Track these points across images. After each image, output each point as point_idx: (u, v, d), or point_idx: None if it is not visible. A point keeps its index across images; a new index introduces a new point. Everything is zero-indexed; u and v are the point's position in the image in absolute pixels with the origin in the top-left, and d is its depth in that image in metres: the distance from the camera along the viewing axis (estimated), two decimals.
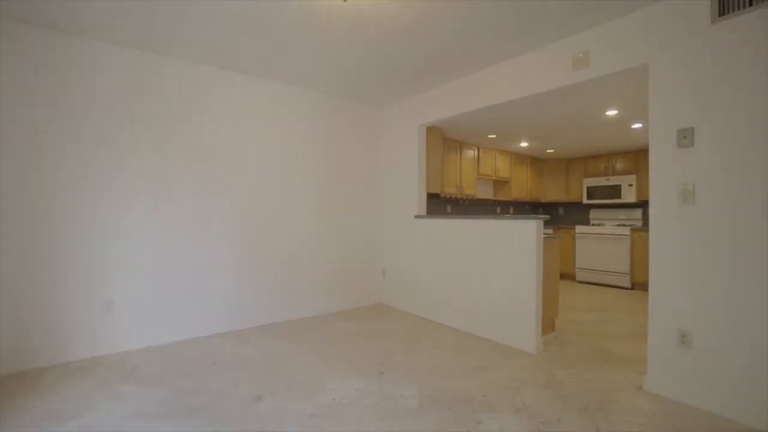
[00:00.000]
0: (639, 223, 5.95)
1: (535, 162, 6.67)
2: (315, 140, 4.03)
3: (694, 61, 2.16)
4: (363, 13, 2.47)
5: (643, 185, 5.73)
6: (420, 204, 4.09)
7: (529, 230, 3.02)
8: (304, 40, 2.83)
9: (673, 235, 2.25)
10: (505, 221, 3.20)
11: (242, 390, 2.30)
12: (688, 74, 2.19)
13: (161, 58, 3.09)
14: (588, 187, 6.33)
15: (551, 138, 5.13)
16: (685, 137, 2.20)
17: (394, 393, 2.28)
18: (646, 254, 5.36)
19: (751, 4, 1.98)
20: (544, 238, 3.17)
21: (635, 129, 4.51)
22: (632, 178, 5.82)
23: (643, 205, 5.95)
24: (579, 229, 6.12)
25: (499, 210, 6.50)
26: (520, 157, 6.32)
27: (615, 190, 5.99)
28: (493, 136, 4.94)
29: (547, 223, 7.14)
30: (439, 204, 5.39)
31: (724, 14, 2.08)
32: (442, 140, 4.87)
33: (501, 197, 6.24)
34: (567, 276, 6.27)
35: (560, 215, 7.16)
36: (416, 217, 4.03)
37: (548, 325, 3.29)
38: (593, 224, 6.32)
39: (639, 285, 5.51)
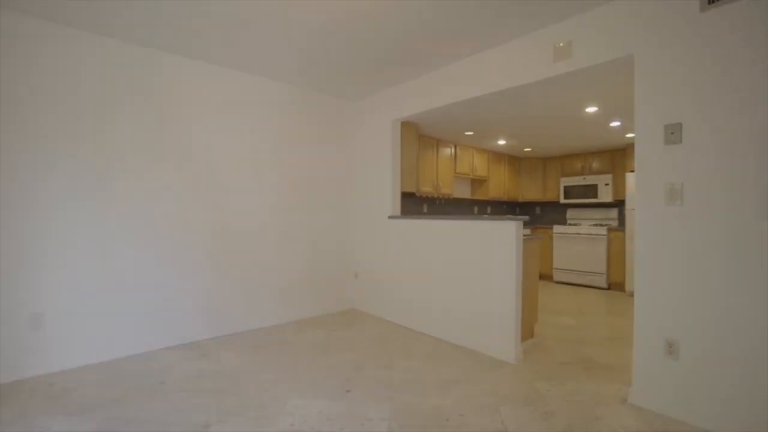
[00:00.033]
0: (615, 223, 5.93)
1: (513, 161, 6.57)
2: (284, 135, 3.75)
3: (683, 52, 2.02)
4: None
5: (619, 185, 5.71)
6: (394, 203, 3.87)
7: (508, 232, 2.84)
8: (267, 24, 2.56)
9: (660, 238, 2.10)
10: (483, 222, 3.02)
11: (189, 417, 2.02)
12: (675, 66, 2.05)
13: (96, 37, 2.74)
14: (565, 187, 6.27)
15: (529, 136, 5.01)
16: (673, 133, 2.06)
17: (362, 415, 2.05)
18: (622, 254, 5.32)
19: None
20: (524, 239, 3.01)
21: (613, 127, 4.43)
22: (608, 178, 5.78)
23: (618, 204, 5.92)
24: (556, 228, 6.05)
25: (476, 210, 6.37)
26: (498, 156, 6.20)
27: (591, 190, 5.95)
28: (471, 133, 4.78)
29: (525, 224, 7.06)
30: (414, 203, 5.19)
31: (713, 2, 1.94)
32: (418, 137, 4.67)
33: (478, 196, 6.10)
34: (544, 276, 6.20)
35: (537, 215, 7.10)
36: (390, 217, 3.81)
37: (527, 331, 3.13)
38: (570, 224, 6.27)
39: (615, 285, 5.48)
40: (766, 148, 1.78)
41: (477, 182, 6.09)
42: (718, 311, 1.91)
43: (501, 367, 2.69)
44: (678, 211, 2.04)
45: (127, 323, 2.85)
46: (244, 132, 3.48)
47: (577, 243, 5.78)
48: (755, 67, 1.80)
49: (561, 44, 2.53)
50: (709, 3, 1.95)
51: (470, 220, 3.11)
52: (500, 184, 6.24)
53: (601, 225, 5.76)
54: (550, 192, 6.56)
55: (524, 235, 3.00)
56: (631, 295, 5.17)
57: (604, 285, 5.51)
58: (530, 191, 6.71)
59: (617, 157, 5.73)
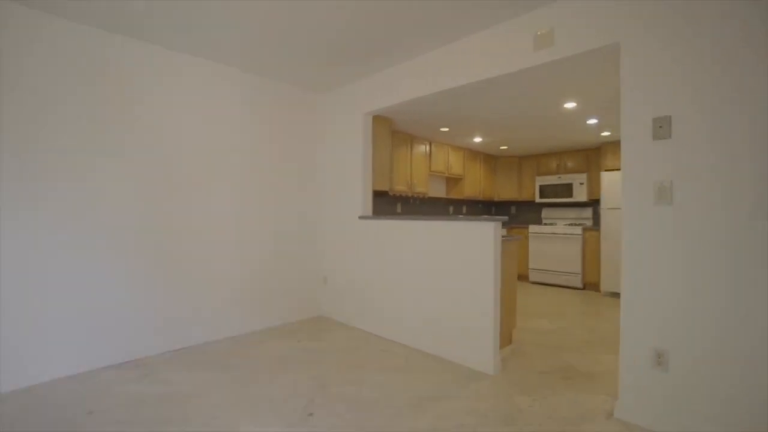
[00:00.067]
0: (589, 222, 5.90)
1: (489, 159, 6.45)
2: (247, 128, 3.43)
3: (672, 40, 1.87)
4: None
5: (593, 184, 5.67)
6: (365, 203, 3.62)
7: (485, 233, 2.65)
8: (223, 5, 2.25)
9: (648, 240, 1.95)
10: (459, 223, 2.81)
11: None
12: (665, 54, 1.89)
13: (32, 13, 2.35)
14: (540, 186, 6.21)
15: (506, 133, 4.88)
16: (662, 127, 1.91)
17: None
18: (597, 254, 5.28)
19: None
20: (502, 240, 2.83)
21: (590, 125, 4.34)
22: (583, 177, 5.74)
23: (593, 204, 5.90)
24: (532, 228, 5.97)
25: (452, 209, 6.21)
26: (474, 154, 6.06)
27: (567, 189, 5.90)
28: (446, 129, 4.59)
29: (503, 224, 6.97)
30: (388, 203, 4.96)
31: None
32: (391, 133, 4.44)
33: (454, 196, 5.94)
34: (520, 277, 6.11)
35: (513, 214, 7.02)
36: (361, 217, 3.56)
37: (506, 337, 2.96)
38: (546, 223, 6.21)
39: (590, 285, 5.44)
40: (762, 143, 1.64)
41: (452, 181, 5.93)
42: (711, 319, 1.76)
43: (479, 379, 2.50)
44: (667, 211, 1.89)
45: (61, 341, 2.48)
46: (203, 125, 3.15)
47: (553, 243, 5.71)
48: (752, 56, 1.66)
49: (542, 32, 2.34)
50: None
51: (446, 221, 2.90)
52: (476, 183, 6.10)
53: (576, 224, 5.71)
54: (525, 191, 6.49)
55: (502, 236, 2.82)
56: (607, 295, 5.13)
57: (580, 285, 5.46)
58: (506, 190, 6.61)
59: (592, 156, 5.70)
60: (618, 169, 5.14)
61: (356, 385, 2.40)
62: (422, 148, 5.03)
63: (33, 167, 2.39)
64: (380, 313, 3.39)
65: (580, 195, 5.76)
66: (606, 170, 5.26)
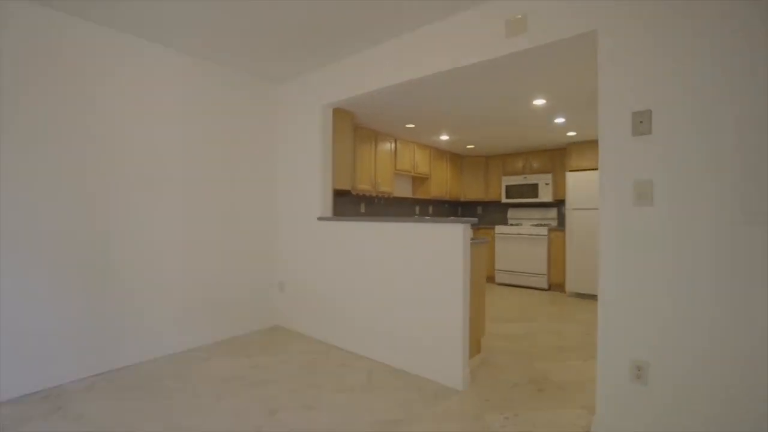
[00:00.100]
0: (554, 223, 5.90)
1: (456, 158, 6.32)
2: (194, 121, 3.05)
3: (654, 28, 1.73)
4: None
5: (558, 184, 5.66)
6: (324, 203, 3.33)
7: (454, 236, 2.45)
8: None
9: (627, 243, 1.80)
10: (426, 225, 2.59)
11: None
12: (646, 44, 1.75)
13: None
14: (507, 186, 6.15)
15: (473, 131, 4.74)
16: (642, 122, 1.76)
17: None
18: (562, 255, 5.26)
19: None
20: (471, 244, 2.64)
21: (557, 124, 4.27)
22: (549, 177, 5.72)
23: (558, 204, 5.90)
24: (498, 229, 5.89)
25: (418, 210, 6.03)
26: (440, 153, 5.90)
27: (532, 189, 5.86)
28: (412, 125, 4.38)
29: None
30: (351, 203, 4.69)
31: None
32: (354, 128, 4.18)
33: (420, 195, 5.75)
34: (486, 279, 6.01)
35: (479, 215, 6.95)
36: (320, 219, 3.27)
37: (475, 345, 2.77)
38: (511, 224, 6.16)
39: (555, 286, 5.42)
40: (750, 141, 1.52)
41: (418, 180, 5.74)
42: (694, 330, 1.63)
43: (447, 396, 2.28)
44: (648, 212, 1.75)
45: None
46: (141, 116, 2.74)
47: (519, 243, 5.66)
48: (742, 47, 1.53)
49: (515, 17, 2.16)
50: None
51: (412, 223, 2.67)
52: (442, 183, 5.95)
53: (542, 225, 5.69)
54: (492, 191, 6.41)
55: (471, 239, 2.63)
56: (572, 295, 5.11)
57: (545, 286, 5.43)
58: (472, 190, 6.52)
59: (557, 156, 5.69)
60: (583, 170, 5.14)
61: (311, 409, 2.12)
62: (387, 146, 4.80)
63: None
64: (341, 322, 3.11)
65: (546, 195, 5.74)
66: (571, 171, 5.25)
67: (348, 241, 3.08)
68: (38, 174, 2.32)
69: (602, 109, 1.88)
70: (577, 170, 5.18)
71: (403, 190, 5.61)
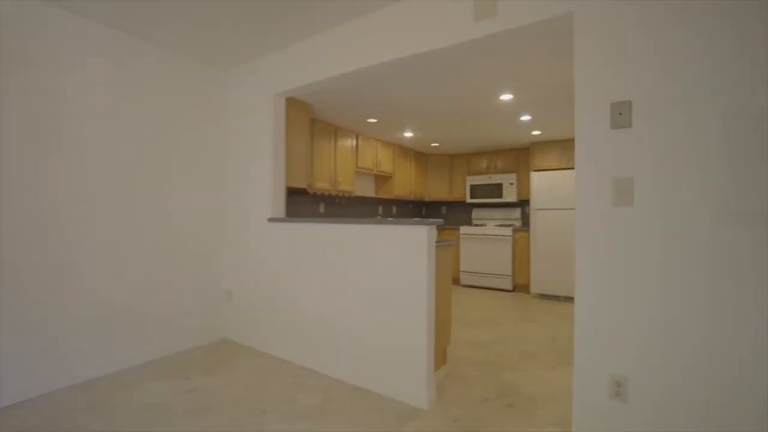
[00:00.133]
0: (518, 223, 5.86)
1: (420, 157, 6.14)
2: (125, 109, 2.63)
3: (635, 10, 1.57)
4: None
5: (522, 184, 5.62)
6: (275, 202, 3.01)
7: (418, 239, 2.22)
8: None
9: (606, 248, 1.64)
10: (387, 227, 2.35)
11: None
12: (626, 28, 1.60)
13: None
14: (471, 186, 6.04)
15: (438, 128, 4.56)
16: (621, 114, 1.61)
17: None
18: (526, 256, 5.20)
19: None
20: (437, 246, 2.43)
21: (523, 122, 4.17)
22: (513, 177, 5.67)
23: (522, 204, 5.86)
24: (463, 229, 5.77)
25: (381, 210, 5.79)
26: (404, 151, 5.70)
27: (497, 189, 5.79)
28: (374, 120, 4.14)
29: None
30: (309, 202, 4.37)
31: None
32: (311, 122, 3.88)
33: (383, 195, 5.52)
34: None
35: (444, 215, 6.82)
36: (270, 220, 2.94)
37: (440, 356, 2.56)
38: (476, 224, 6.07)
39: (520, 287, 5.36)
40: (739, 136, 1.38)
41: (381, 179, 5.50)
42: (678, 342, 1.48)
43: (411, 418, 2.05)
44: (628, 213, 1.59)
45: None
46: (65, 100, 2.30)
47: (484, 244, 5.56)
48: (731, 34, 1.40)
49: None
50: None
51: (371, 225, 2.42)
52: (406, 182, 5.75)
53: (506, 225, 5.62)
54: (456, 191, 6.29)
55: (436, 242, 2.42)
56: (536, 297, 5.06)
57: (510, 287, 5.36)
58: (437, 190, 6.36)
59: (521, 156, 5.64)
60: (547, 170, 5.11)
61: None
62: (348, 142, 4.52)
63: None
64: (294, 334, 2.81)
65: (510, 195, 5.68)
66: (536, 170, 5.21)
67: (301, 245, 2.78)
68: None
69: (579, 99, 1.71)
70: (541, 170, 5.14)
71: (365, 189, 5.35)
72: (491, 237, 5.50)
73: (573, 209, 4.74)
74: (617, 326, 1.61)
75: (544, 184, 4.99)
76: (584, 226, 1.69)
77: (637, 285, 1.56)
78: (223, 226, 3.32)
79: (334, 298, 2.59)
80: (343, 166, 4.41)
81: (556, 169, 5.02)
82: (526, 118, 3.98)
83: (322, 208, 4.57)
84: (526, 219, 5.80)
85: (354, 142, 4.62)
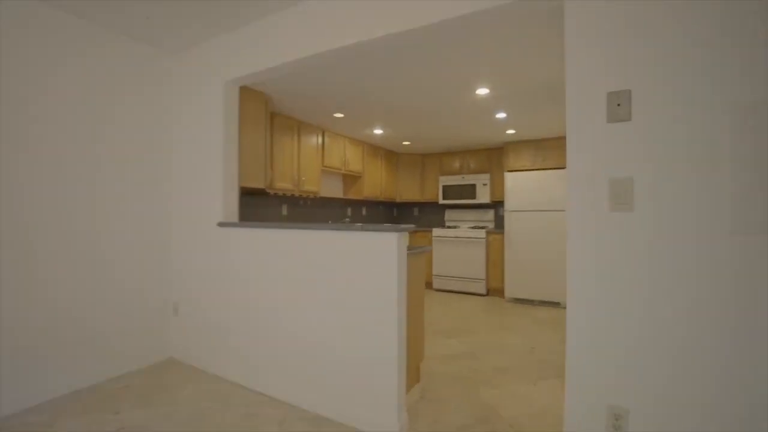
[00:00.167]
0: (492, 225, 5.71)
1: (391, 156, 5.89)
2: (46, 91, 2.19)
3: None
4: None
5: (496, 185, 5.47)
6: (227, 205, 2.65)
7: (388, 247, 1.94)
8: None
9: (602, 260, 1.43)
10: (352, 233, 2.06)
11: None
12: (625, 6, 1.39)
13: None
14: (444, 186, 5.84)
15: (409, 125, 4.31)
16: (620, 105, 1.40)
17: None
18: (500, 258, 5.05)
19: None
20: (409, 254, 2.17)
21: (498, 120, 3.99)
22: (486, 178, 5.51)
23: (495, 205, 5.72)
24: (436, 232, 5.56)
25: (350, 211, 5.49)
26: (374, 149, 5.42)
27: (470, 190, 5.61)
28: (341, 115, 3.84)
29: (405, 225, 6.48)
30: (270, 204, 4.01)
31: None
32: (270, 115, 3.53)
33: (352, 196, 5.22)
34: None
35: (415, 216, 6.59)
36: (220, 225, 2.59)
37: (413, 373, 2.31)
38: (449, 226, 5.87)
39: (494, 291, 5.20)
40: (753, 132, 1.19)
41: (350, 179, 5.20)
42: (686, 369, 1.28)
43: None
44: (627, 219, 1.38)
45: None
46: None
47: (457, 247, 5.37)
48: (744, 8, 1.20)
49: None
50: None
51: (335, 231, 2.12)
52: (377, 182, 5.47)
53: (479, 227, 5.46)
54: (428, 192, 6.08)
55: (408, 249, 2.15)
56: (511, 301, 4.92)
57: (483, 291, 5.19)
58: (408, 191, 6.13)
59: (495, 156, 5.50)
60: (521, 170, 4.97)
61: None
62: (313, 139, 4.20)
63: None
64: (249, 354, 2.47)
65: (483, 196, 5.52)
66: (509, 171, 5.07)
67: (256, 253, 2.44)
68: None
69: (570, 89, 1.49)
70: (516, 170, 5.00)
71: (332, 189, 5.03)
72: (464, 239, 5.32)
73: (548, 211, 4.65)
74: (616, 352, 1.39)
75: (518, 185, 4.85)
76: (576, 235, 1.47)
77: (638, 303, 1.35)
78: (170, 231, 2.92)
79: (293, 313, 2.27)
80: (308, 164, 4.08)
81: (531, 170, 4.90)
82: (501, 115, 3.79)
83: (285, 210, 4.21)
84: (499, 221, 5.66)
85: (320, 138, 4.30)
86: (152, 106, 2.81)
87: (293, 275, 2.27)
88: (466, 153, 5.76)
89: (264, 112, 3.10)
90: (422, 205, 6.51)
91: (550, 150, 4.82)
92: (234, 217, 2.69)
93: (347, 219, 5.28)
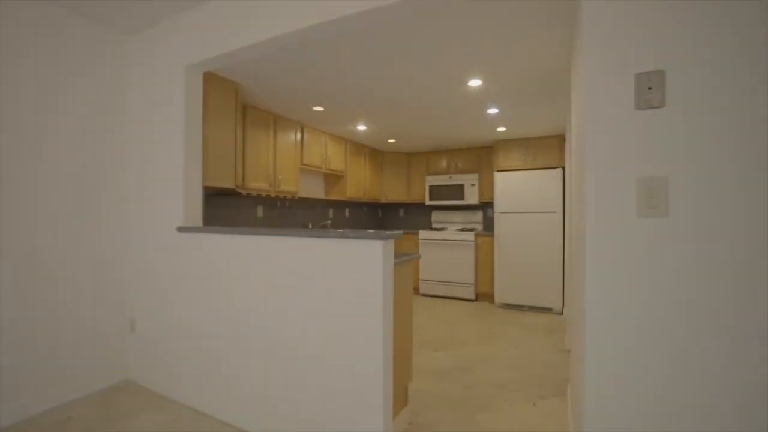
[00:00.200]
0: (480, 227, 5.49)
1: (375, 154, 5.61)
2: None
3: None
4: None
5: (485, 185, 5.25)
6: (189, 207, 2.33)
7: (372, 256, 1.67)
8: None
9: (628, 278, 1.18)
10: (331, 241, 1.78)
11: None
12: None
13: None
14: (431, 186, 5.60)
15: (395, 121, 4.05)
16: (651, 88, 1.16)
17: None
18: (489, 261, 4.84)
19: None
20: (397, 263, 1.90)
21: (490, 116, 3.75)
22: (474, 178, 5.29)
23: (483, 206, 5.51)
24: (422, 234, 5.31)
25: (332, 213, 5.19)
26: (358, 147, 5.14)
27: (458, 191, 5.38)
28: (320, 108, 3.54)
29: (390, 227, 6.22)
30: (243, 206, 3.68)
31: None
32: (242, 108, 3.22)
33: (334, 196, 4.92)
34: None
35: (401, 218, 6.34)
36: (180, 230, 2.27)
37: (400, 397, 2.05)
38: (435, 228, 5.63)
39: (483, 296, 4.98)
40: None
41: (332, 178, 4.90)
42: (734, 411, 1.05)
43: None
44: (660, 226, 1.14)
45: None
46: None
47: (444, 250, 5.13)
48: None
49: None
50: None
51: (312, 238, 1.84)
52: (360, 182, 5.19)
53: (467, 230, 5.24)
54: (415, 192, 5.82)
55: (395, 259, 1.89)
56: (501, 306, 4.70)
57: (472, 296, 4.97)
58: (394, 191, 5.86)
59: (484, 155, 5.28)
60: (511, 170, 4.77)
61: None
62: (291, 135, 3.89)
63: None
64: (214, 378, 2.16)
65: (472, 197, 5.30)
66: (499, 170, 4.86)
67: (221, 262, 2.13)
68: None
69: (589, 69, 1.25)
70: (505, 170, 4.80)
71: (313, 189, 4.73)
72: (452, 242, 5.08)
73: (540, 213, 4.46)
74: (645, 390, 1.15)
75: (508, 185, 4.65)
76: (594, 246, 1.23)
77: (677, 334, 1.11)
78: (127, 237, 2.58)
79: (266, 331, 1.97)
80: (285, 162, 3.76)
81: (521, 170, 4.70)
82: (493, 111, 3.57)
83: (260, 212, 3.89)
84: (488, 222, 5.45)
85: (298, 134, 3.99)
86: (105, 96, 2.47)
87: (264, 288, 1.98)
88: (454, 152, 5.53)
89: (234, 103, 2.79)
90: (408, 206, 6.26)
91: (541, 149, 4.63)
92: (197, 220, 2.37)
93: (329, 221, 4.98)
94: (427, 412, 2.20)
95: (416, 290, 5.33)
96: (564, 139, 4.46)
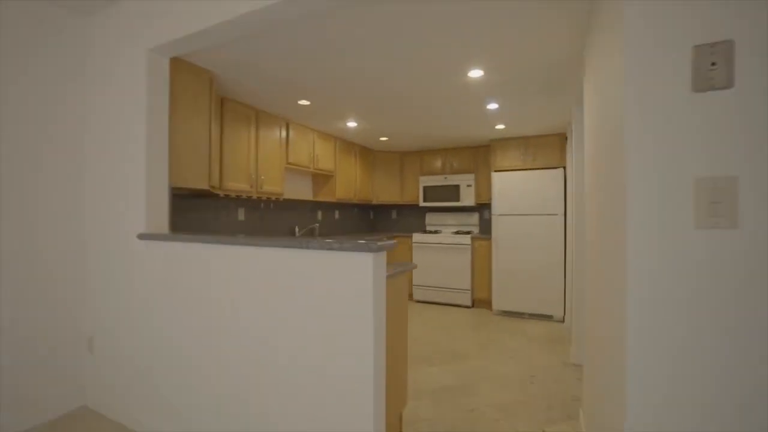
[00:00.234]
0: (476, 230, 5.25)
1: (366, 153, 5.34)
2: None
3: None
4: None
5: (481, 186, 5.02)
6: (152, 211, 2.04)
7: (361, 270, 1.41)
8: None
9: (684, 301, 0.94)
10: (313, 253, 1.51)
11: None
12: None
13: None
14: (425, 187, 5.34)
15: (387, 117, 3.79)
16: (714, 64, 0.91)
17: None
18: (486, 266, 4.60)
19: None
20: (389, 276, 1.64)
21: (489, 111, 3.51)
22: (471, 178, 5.05)
23: (480, 208, 5.27)
24: (416, 237, 5.06)
25: (320, 215, 4.90)
26: (348, 145, 4.86)
27: (453, 192, 5.14)
28: (306, 102, 3.27)
29: (382, 230, 5.96)
30: (222, 208, 3.39)
31: None
32: (219, 100, 2.94)
33: (323, 198, 4.63)
34: None
35: (394, 220, 6.07)
36: (141, 237, 1.98)
37: (393, 425, 1.79)
38: (430, 231, 5.38)
39: (480, 302, 4.75)
40: None
41: (321, 178, 4.62)
42: None
43: None
44: (727, 240, 0.90)
45: None
46: None
47: (439, 254, 4.88)
48: None
49: None
50: None
51: (290, 249, 1.57)
52: (351, 182, 4.92)
53: (463, 232, 5.00)
54: (408, 193, 5.56)
55: (388, 273, 1.63)
56: (499, 314, 4.47)
57: (469, 303, 4.73)
58: (386, 192, 5.59)
59: (480, 154, 5.04)
60: (509, 170, 4.54)
61: None
62: (275, 131, 3.60)
63: None
64: (181, 407, 1.87)
65: (468, 198, 5.05)
66: (496, 170, 4.62)
67: (189, 275, 1.85)
68: None
69: (628, 41, 1.00)
70: (503, 170, 4.57)
71: (300, 190, 4.44)
72: (447, 246, 4.84)
73: (540, 215, 4.23)
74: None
75: (506, 186, 4.42)
76: (640, 265, 0.98)
77: (748, 383, 0.87)
78: (83, 245, 2.28)
79: (240, 355, 1.70)
80: (269, 161, 3.48)
81: (520, 170, 4.47)
82: (492, 106, 3.32)
83: (241, 215, 3.59)
84: (485, 225, 5.22)
85: (283, 131, 3.71)
86: (57, 86, 2.16)
87: (239, 305, 1.70)
88: (449, 151, 5.28)
89: (208, 94, 2.50)
90: (401, 208, 6.00)
91: (541, 148, 4.41)
92: (162, 226, 2.08)
93: (317, 224, 4.70)
94: None
95: (409, 296, 5.08)
96: (565, 138, 4.24)
